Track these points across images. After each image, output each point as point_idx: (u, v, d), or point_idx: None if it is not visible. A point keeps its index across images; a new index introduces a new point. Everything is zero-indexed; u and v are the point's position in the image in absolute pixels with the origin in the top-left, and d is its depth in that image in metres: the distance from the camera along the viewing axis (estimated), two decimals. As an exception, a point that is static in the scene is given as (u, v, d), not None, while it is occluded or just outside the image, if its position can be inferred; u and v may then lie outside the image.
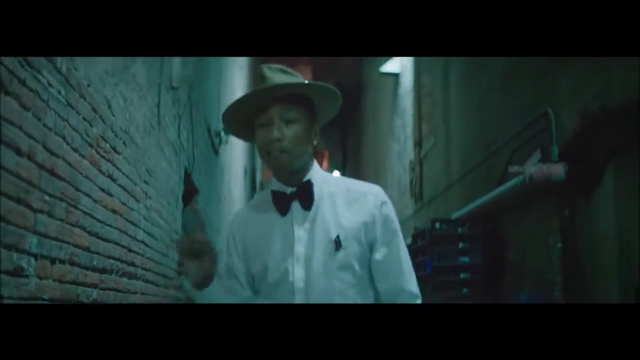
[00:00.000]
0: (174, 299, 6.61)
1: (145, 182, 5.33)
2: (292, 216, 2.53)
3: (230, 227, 2.68)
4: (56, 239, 3.30)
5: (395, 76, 18.02)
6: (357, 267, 2.48)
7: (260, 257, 2.51)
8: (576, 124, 7.08)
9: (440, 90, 13.36)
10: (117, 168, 4.48)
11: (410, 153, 16.05)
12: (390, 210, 2.58)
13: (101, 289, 4.08)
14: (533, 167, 7.56)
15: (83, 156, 3.73)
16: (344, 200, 2.55)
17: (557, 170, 7.30)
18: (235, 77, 14.65)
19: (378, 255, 2.53)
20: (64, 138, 3.40)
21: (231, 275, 2.62)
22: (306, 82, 2.52)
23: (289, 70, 2.57)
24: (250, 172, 21.05)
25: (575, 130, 7.13)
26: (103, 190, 4.14)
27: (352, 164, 29.28)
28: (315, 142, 2.57)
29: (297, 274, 2.46)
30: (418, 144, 15.23)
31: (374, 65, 19.95)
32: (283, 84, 2.44)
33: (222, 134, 10.84)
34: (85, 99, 3.75)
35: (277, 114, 2.44)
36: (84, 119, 3.74)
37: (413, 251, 10.31)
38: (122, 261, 4.61)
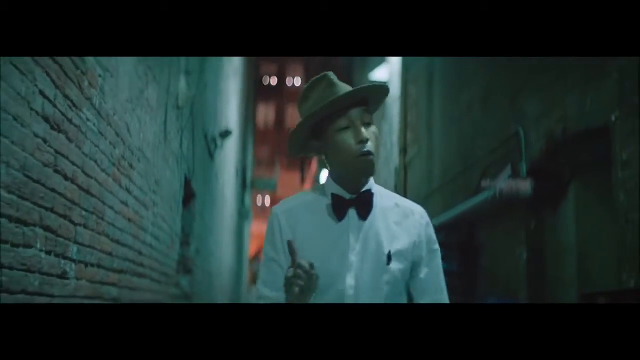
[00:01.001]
0: (174, 295, 7.32)
1: (153, 192, 6.02)
2: (349, 224, 2.55)
3: (276, 219, 2.64)
4: (89, 247, 4.00)
5: (384, 83, 18.45)
6: (402, 282, 2.57)
7: (310, 258, 2.43)
8: (542, 145, 7.75)
9: (425, 102, 13.97)
10: (132, 182, 5.17)
11: (396, 159, 16.63)
12: (432, 231, 2.67)
13: (119, 287, 4.78)
14: (503, 182, 8.24)
15: (108, 175, 4.42)
16: (395, 216, 2.62)
17: (525, 186, 7.96)
18: (230, 84, 15.27)
19: (422, 273, 2.61)
20: (96, 162, 4.09)
21: (273, 267, 2.60)
22: (385, 84, 2.62)
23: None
24: (242, 172, 21.55)
25: (541, 150, 7.81)
26: (122, 202, 4.83)
27: None
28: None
29: (349, 282, 2.51)
30: (403, 151, 15.79)
31: (364, 70, 20.49)
32: (377, 86, 2.54)
33: (218, 140, 11.49)
34: (111, 126, 4.43)
35: (359, 117, 2.49)
36: (110, 143, 4.43)
37: None
38: (134, 263, 5.30)
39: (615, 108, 6.00)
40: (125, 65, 4.69)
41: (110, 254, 4.50)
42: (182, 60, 7.25)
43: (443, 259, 8.84)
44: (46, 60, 3.13)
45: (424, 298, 2.61)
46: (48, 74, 3.16)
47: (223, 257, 15.01)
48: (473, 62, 10.63)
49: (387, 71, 18.21)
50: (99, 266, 4.23)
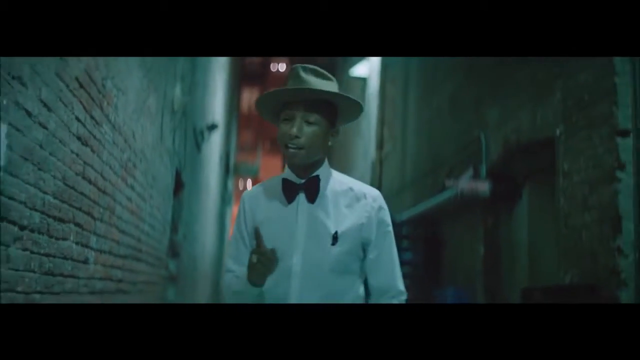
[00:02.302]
0: (164, 277, 8.14)
1: (150, 186, 6.82)
2: (297, 206, 2.74)
3: (242, 203, 2.87)
4: (104, 237, 4.82)
5: (364, 80, 19.31)
6: (349, 261, 2.72)
7: (264, 237, 2.57)
8: (500, 150, 8.58)
9: (401, 102, 14.76)
10: (135, 180, 5.97)
11: (373, 153, 17.39)
12: (386, 214, 2.81)
13: (123, 270, 5.60)
14: (465, 183, 9.05)
15: (118, 176, 5.23)
16: (346, 199, 2.77)
17: (483, 187, 8.77)
18: (217, 77, 15.93)
19: (372, 254, 2.76)
20: (110, 166, 4.90)
21: (237, 244, 2.83)
22: (333, 91, 2.70)
23: (323, 72, 2.76)
24: (225, 157, 22.00)
25: (499, 155, 8.63)
26: (127, 198, 5.64)
27: None
28: (330, 144, 2.79)
29: (295, 259, 2.67)
30: (379, 146, 16.55)
31: (346, 65, 21.06)
32: (312, 89, 2.66)
33: (205, 133, 12.25)
34: (121, 135, 5.23)
35: (300, 114, 2.66)
36: (120, 149, 5.24)
37: None
38: (135, 249, 6.12)
39: (560, 123, 6.81)
40: (133, 81, 5.49)
41: (117, 242, 5.31)
42: (178, 66, 8.03)
43: (410, 250, 9.64)
44: (80, 91, 3.94)
45: (375, 280, 2.79)
46: (80, 102, 3.97)
47: (206, 241, 15.71)
48: (443, 69, 11.43)
49: (367, 68, 18.81)
50: (110, 253, 5.05)
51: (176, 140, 8.56)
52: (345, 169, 21.85)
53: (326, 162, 2.82)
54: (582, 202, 6.27)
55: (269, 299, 2.67)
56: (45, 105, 3.31)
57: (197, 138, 11.51)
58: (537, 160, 7.80)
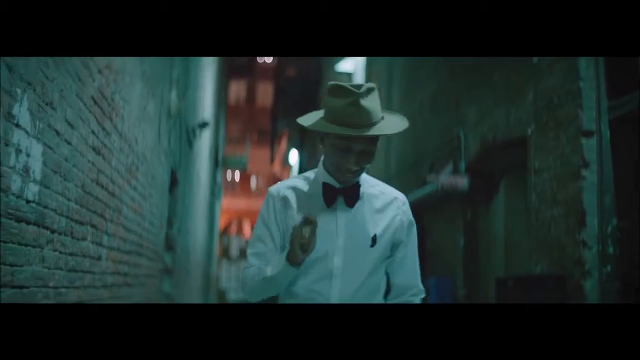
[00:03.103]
0: (161, 269, 8.63)
1: (150, 185, 7.30)
2: (337, 209, 2.77)
3: (271, 201, 2.86)
4: (113, 235, 5.31)
5: (349, 75, 19.57)
6: (384, 262, 2.83)
7: None
8: (477, 147, 9.05)
9: (385, 97, 14.99)
10: (138, 181, 6.45)
11: None
12: (411, 215, 2.91)
13: (128, 265, 6.09)
14: (445, 177, 9.52)
15: (124, 179, 5.71)
16: (379, 202, 2.84)
17: (462, 182, 9.22)
18: (207, 74, 16.33)
19: (400, 254, 2.86)
20: (117, 171, 5.38)
21: (264, 242, 2.83)
22: (395, 132, 2.69)
23: (372, 86, 2.67)
24: (214, 151, 22.28)
25: (476, 152, 9.09)
26: (131, 199, 6.12)
27: (309, 146, 30.30)
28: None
29: (336, 262, 2.73)
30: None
31: (332, 61, 21.32)
32: (374, 137, 2.63)
33: (197, 130, 12.69)
34: (126, 142, 5.71)
35: (359, 148, 2.63)
36: (125, 155, 5.72)
37: None
38: (137, 245, 6.61)
39: (531, 123, 7.28)
40: (135, 91, 5.96)
41: (124, 239, 5.80)
42: (173, 72, 8.50)
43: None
44: (94, 107, 4.42)
45: (399, 278, 2.89)
46: (95, 116, 4.46)
47: (197, 233, 16.17)
48: (426, 68, 11.84)
49: (353, 64, 19.13)
50: (118, 249, 5.54)
51: (171, 141, 9.02)
52: None
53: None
54: (551, 197, 6.71)
55: (310, 300, 2.76)
56: (69, 124, 3.81)
57: (189, 136, 11.92)
58: (512, 157, 8.26)
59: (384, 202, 2.85)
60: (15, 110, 2.91)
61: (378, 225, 2.79)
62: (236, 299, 34.63)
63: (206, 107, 16.26)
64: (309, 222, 2.58)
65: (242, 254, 43.80)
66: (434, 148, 10.87)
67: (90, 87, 4.25)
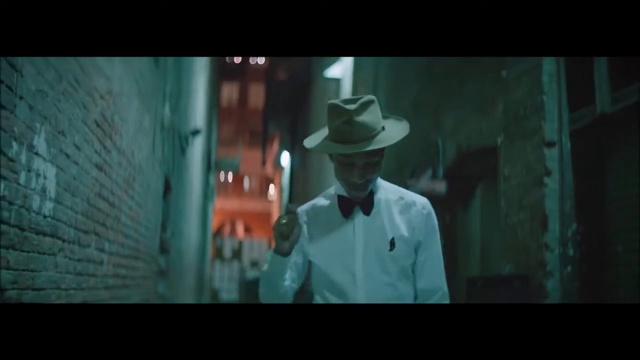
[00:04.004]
0: (155, 272, 9.15)
1: (146, 194, 7.83)
2: (354, 218, 2.85)
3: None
4: (113, 241, 5.85)
5: (337, 81, 19.83)
6: (405, 264, 2.86)
7: (325, 251, 2.81)
8: (454, 154, 9.49)
9: None
10: (134, 190, 6.98)
11: None
12: (434, 219, 2.94)
13: (126, 268, 6.62)
14: (424, 182, 9.97)
15: (122, 190, 6.24)
16: (398, 207, 2.89)
17: (440, 186, 9.63)
18: (199, 80, 16.77)
19: (421, 257, 2.88)
20: (117, 183, 5.92)
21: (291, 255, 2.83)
22: (389, 144, 2.78)
23: (367, 101, 2.81)
24: (207, 155, 22.60)
25: (453, 158, 9.53)
26: (129, 207, 6.66)
27: (299, 149, 30.11)
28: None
29: (358, 267, 2.80)
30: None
31: (321, 66, 21.37)
32: (367, 150, 2.69)
33: (189, 138, 13.15)
34: (124, 156, 6.25)
35: (361, 162, 2.72)
36: (124, 168, 6.25)
37: None
38: (134, 249, 7.14)
39: (501, 133, 7.69)
40: (132, 109, 6.50)
41: (122, 245, 6.34)
42: (167, 86, 9.03)
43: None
44: (97, 130, 4.96)
45: (423, 282, 2.91)
46: (97, 137, 4.99)
47: (190, 235, 16.63)
48: (407, 75, 12.19)
49: (341, 70, 19.22)
50: (117, 254, 6.08)
51: (165, 150, 9.54)
52: (321, 162, 21.86)
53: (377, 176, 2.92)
54: (518, 202, 7.12)
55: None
56: (77, 147, 4.37)
57: (182, 143, 12.37)
58: (485, 164, 8.66)
59: (402, 206, 2.90)
60: (35, 141, 3.47)
61: (396, 229, 2.84)
62: (228, 299, 35.03)
63: (198, 113, 16.71)
64: (289, 211, 2.70)
65: (235, 254, 44.15)
66: (415, 154, 11.23)
67: (94, 112, 4.79)
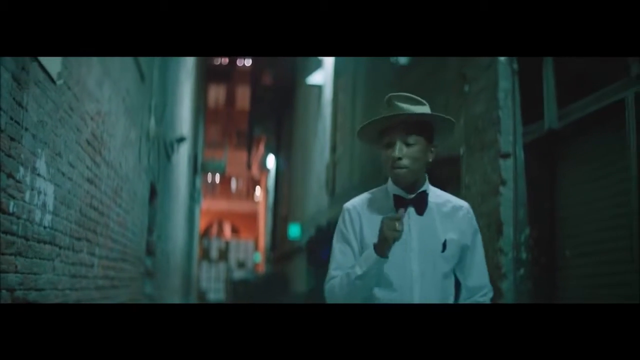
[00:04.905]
0: (142, 273, 9.74)
1: (132, 201, 8.42)
2: (409, 218, 2.91)
3: (347, 215, 3.04)
4: (103, 246, 6.45)
5: (319, 87, 20.18)
6: (452, 265, 2.96)
7: None
8: (424, 163, 10.03)
9: (350, 109, 15.75)
10: (122, 198, 7.56)
11: (327, 155, 18.18)
12: (475, 222, 3.06)
13: (114, 270, 7.21)
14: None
15: (110, 199, 6.83)
16: (446, 210, 2.99)
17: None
18: (184, 87, 17.16)
19: (468, 258, 3.00)
20: (106, 194, 6.52)
21: (345, 255, 2.98)
22: (424, 112, 2.91)
23: (414, 98, 2.96)
24: (193, 158, 22.79)
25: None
26: (116, 214, 7.25)
27: (285, 152, 31.15)
28: (430, 160, 3.00)
29: (414, 266, 2.87)
30: (333, 149, 17.42)
31: (304, 73, 21.95)
32: (406, 114, 2.86)
33: (175, 145, 13.63)
34: (112, 169, 6.84)
35: (399, 138, 2.85)
36: (111, 179, 6.84)
37: (315, 243, 13.05)
38: (122, 252, 7.74)
39: (463, 144, 8.05)
40: (120, 125, 7.08)
41: (111, 249, 6.93)
42: (152, 100, 9.60)
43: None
44: (88, 148, 5.56)
45: (470, 279, 3.03)
46: (89, 155, 5.59)
47: (177, 237, 17.07)
48: (383, 82, 12.56)
49: (322, 76, 19.63)
50: (106, 258, 6.67)
51: (151, 159, 10.10)
52: (305, 165, 22.61)
53: (427, 178, 3.07)
54: (477, 209, 7.45)
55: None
56: (71, 165, 4.96)
57: (167, 150, 12.81)
58: (451, 173, 9.20)
59: (451, 209, 3.02)
60: (37, 164, 4.08)
61: (447, 232, 2.94)
62: (216, 299, 35.46)
63: (184, 120, 17.09)
64: (396, 217, 2.75)
65: (222, 255, 44.60)
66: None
67: (85, 133, 5.38)
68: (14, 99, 3.57)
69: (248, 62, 48.94)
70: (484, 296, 3.04)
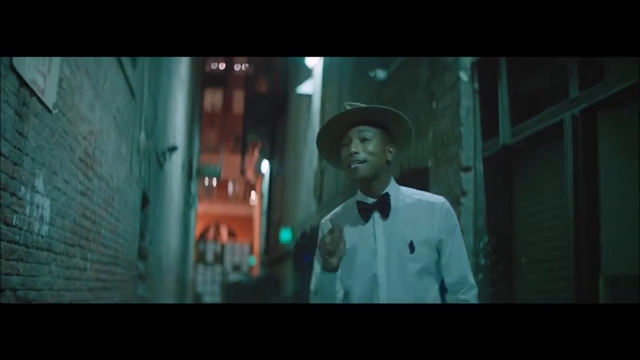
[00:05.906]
0: (135, 276, 10.38)
1: (124, 209, 9.06)
2: (374, 223, 2.91)
3: (320, 232, 3.05)
4: (95, 251, 7.10)
5: (309, 97, 20.56)
6: (426, 264, 2.88)
7: (349, 255, 2.81)
8: (397, 173, 10.52)
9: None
10: (113, 208, 8.21)
11: (316, 163, 18.51)
12: (453, 217, 2.98)
13: (106, 273, 7.86)
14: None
15: (102, 208, 7.48)
16: (416, 209, 2.94)
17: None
18: (178, 96, 17.60)
19: (445, 254, 2.92)
20: (98, 204, 7.17)
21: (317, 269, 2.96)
22: (372, 106, 2.92)
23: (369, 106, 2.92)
24: (188, 164, 22.92)
25: (397, 177, 10.54)
26: (108, 222, 7.90)
27: (278, 157, 31.52)
28: (389, 159, 2.97)
29: (380, 269, 2.86)
30: (321, 157, 16.43)
31: (296, 82, 22.38)
32: (355, 108, 2.88)
33: (166, 154, 14.10)
34: (104, 181, 7.48)
35: (355, 134, 2.87)
36: (104, 191, 7.49)
37: (299, 247, 13.59)
38: (114, 257, 8.39)
39: (430, 157, 8.59)
40: (111, 141, 7.72)
41: (103, 254, 7.57)
42: (143, 114, 10.21)
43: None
44: (81, 164, 6.22)
45: (450, 277, 2.95)
46: (82, 171, 6.25)
47: (170, 242, 17.47)
48: (365, 94, 12.92)
49: (312, 86, 20.00)
50: (98, 262, 7.32)
51: (142, 169, 10.70)
52: (296, 171, 23.02)
53: (392, 180, 3.04)
54: None
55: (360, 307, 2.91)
56: (65, 181, 5.62)
57: (159, 159, 13.28)
58: (421, 183, 9.66)
59: (420, 208, 2.97)
60: (36, 183, 4.76)
61: (415, 233, 2.89)
62: (211, 302, 35.73)
63: (177, 129, 17.46)
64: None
65: (217, 258, 44.90)
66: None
67: (78, 152, 6.02)
68: (16, 130, 4.24)
69: (245, 66, 48.86)
70: (465, 294, 2.96)
